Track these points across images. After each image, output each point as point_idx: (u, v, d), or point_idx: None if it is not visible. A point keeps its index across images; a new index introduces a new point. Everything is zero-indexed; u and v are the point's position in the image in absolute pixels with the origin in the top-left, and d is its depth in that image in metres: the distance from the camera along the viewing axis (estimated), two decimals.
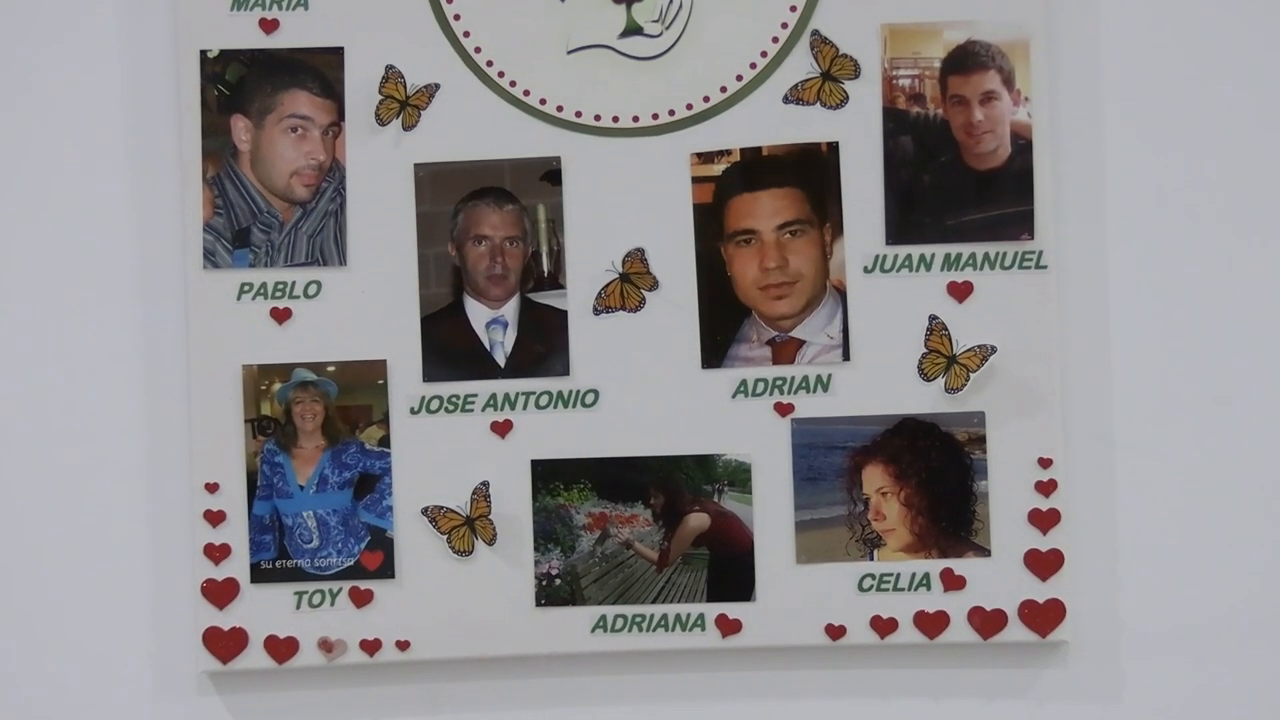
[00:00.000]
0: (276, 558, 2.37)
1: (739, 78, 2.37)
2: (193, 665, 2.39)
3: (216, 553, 2.37)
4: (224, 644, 2.37)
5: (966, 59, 2.35)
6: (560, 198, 2.37)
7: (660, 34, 2.37)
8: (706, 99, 2.37)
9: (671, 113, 2.37)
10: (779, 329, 2.37)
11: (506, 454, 2.37)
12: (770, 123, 2.36)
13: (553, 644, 2.36)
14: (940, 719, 2.38)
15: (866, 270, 2.36)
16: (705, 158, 2.37)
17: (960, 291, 2.35)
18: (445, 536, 2.36)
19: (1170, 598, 2.38)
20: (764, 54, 2.37)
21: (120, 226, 2.41)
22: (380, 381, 2.37)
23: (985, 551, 2.35)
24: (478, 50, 2.38)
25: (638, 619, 2.36)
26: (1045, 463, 2.34)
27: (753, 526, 2.36)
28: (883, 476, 2.35)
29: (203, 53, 2.38)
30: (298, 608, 2.37)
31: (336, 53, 2.38)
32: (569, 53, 2.38)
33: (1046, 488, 2.34)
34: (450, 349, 2.38)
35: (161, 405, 2.40)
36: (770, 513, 2.36)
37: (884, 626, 2.35)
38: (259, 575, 2.37)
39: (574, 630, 2.36)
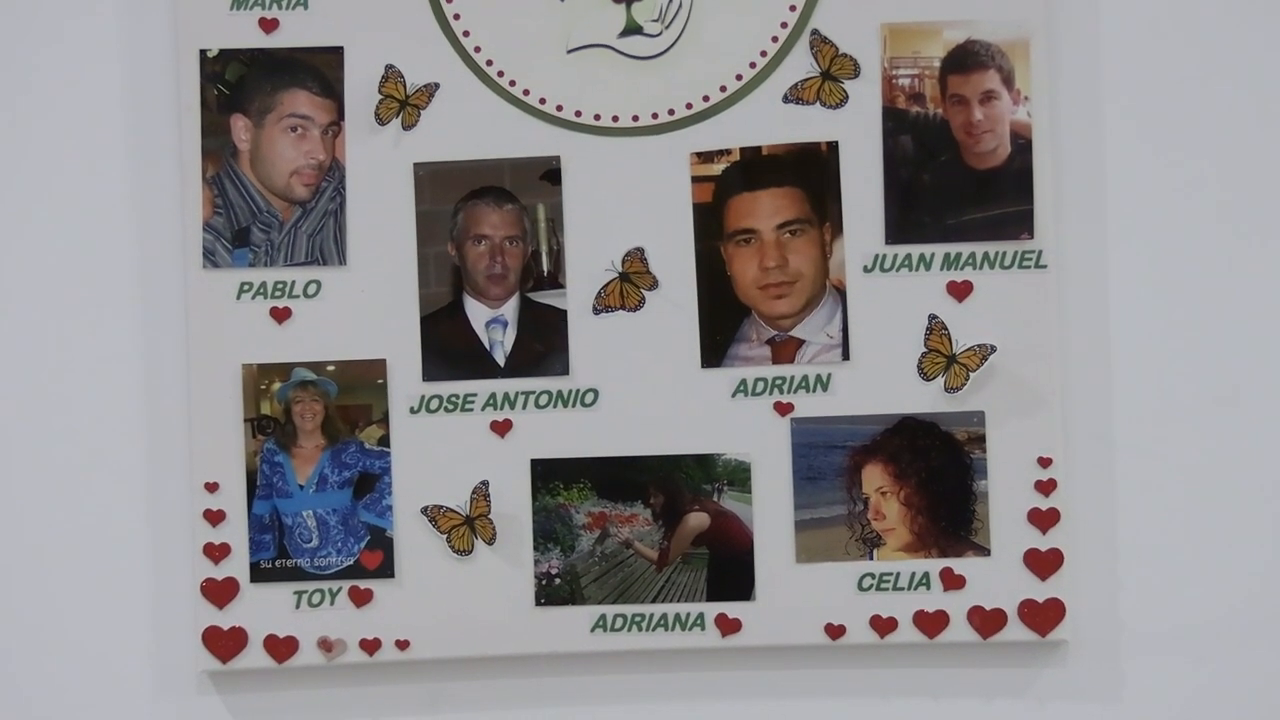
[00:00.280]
0: (276, 557, 2.37)
1: (739, 77, 2.37)
2: (192, 665, 2.39)
3: (216, 552, 2.37)
4: (224, 643, 2.37)
5: (966, 58, 2.35)
6: (560, 197, 2.37)
7: (660, 33, 2.37)
8: (706, 98, 2.37)
9: (671, 112, 2.37)
10: (779, 328, 2.37)
11: (506, 453, 2.37)
12: (770, 122, 2.36)
13: (552, 643, 2.36)
14: (940, 718, 2.38)
15: (866, 270, 2.36)
16: (705, 157, 2.37)
17: (960, 291, 2.35)
18: (445, 536, 2.36)
19: (1170, 597, 2.37)
20: (764, 53, 2.37)
21: (120, 226, 2.41)
22: (380, 381, 2.37)
23: (985, 551, 2.35)
24: (477, 50, 2.38)
25: (637, 618, 2.36)
26: (1045, 462, 2.34)
27: (752, 526, 2.36)
28: (882, 476, 2.35)
29: (202, 52, 2.38)
30: (297, 607, 2.37)
31: (336, 52, 2.38)
32: (569, 52, 2.38)
33: (1046, 487, 2.34)
34: (450, 348, 2.38)
35: (161, 405, 2.40)
36: (770, 512, 2.36)
37: (884, 626, 2.35)
38: (259, 575, 2.37)
39: (574, 630, 2.36)
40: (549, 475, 2.36)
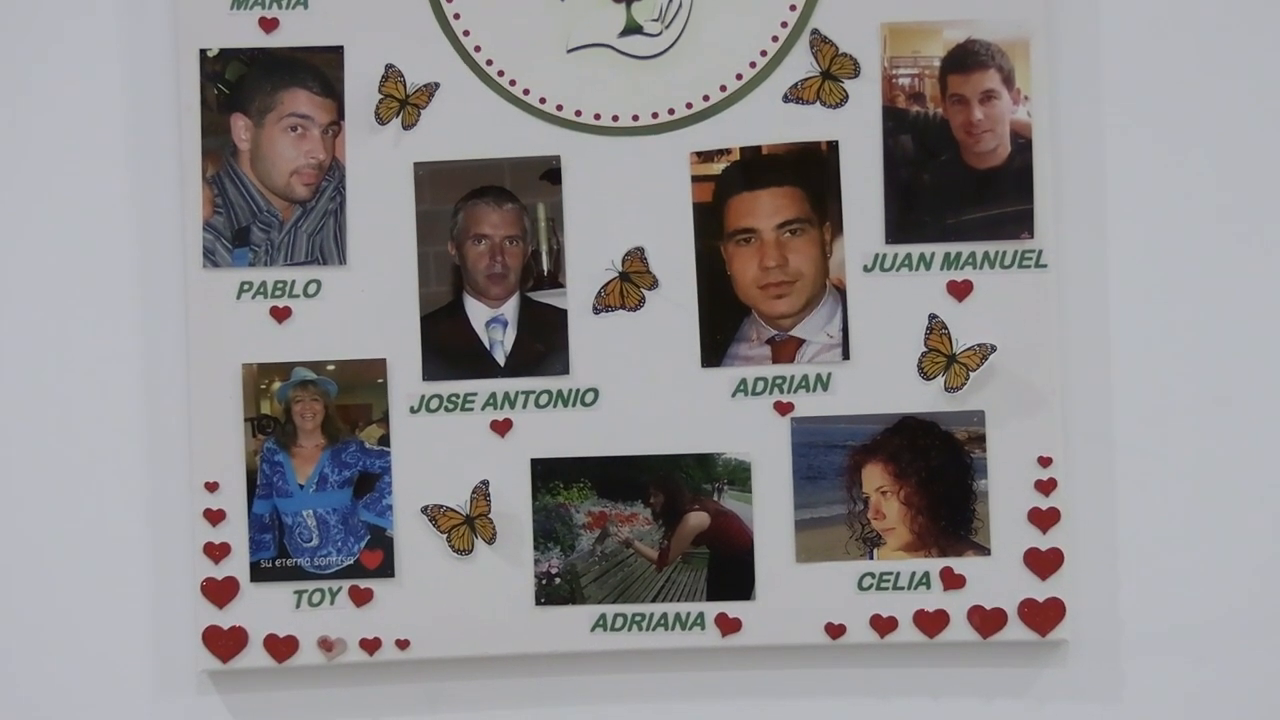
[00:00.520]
0: (276, 556, 2.37)
1: (739, 77, 2.37)
2: (193, 664, 2.39)
3: (216, 551, 2.37)
4: (224, 643, 2.37)
5: (966, 58, 2.35)
6: (560, 196, 2.37)
7: (660, 33, 2.38)
8: (706, 98, 2.37)
9: (671, 112, 2.37)
10: (779, 328, 2.37)
11: (506, 453, 2.37)
12: (770, 122, 2.36)
13: (552, 643, 2.36)
14: (940, 718, 2.38)
15: (866, 269, 2.36)
16: (705, 157, 2.37)
17: (960, 290, 2.35)
18: (445, 535, 2.36)
19: (1170, 597, 2.37)
20: (764, 53, 2.37)
21: (120, 225, 2.42)
22: (380, 380, 2.37)
23: (985, 550, 2.35)
24: (477, 49, 2.38)
25: (637, 618, 2.36)
26: (1045, 462, 2.34)
27: (752, 525, 2.36)
28: (882, 475, 2.35)
29: (202, 52, 2.38)
30: (297, 607, 2.37)
31: (336, 52, 2.38)
32: (569, 52, 2.38)
33: (1046, 487, 2.34)
34: (450, 348, 2.38)
35: (161, 404, 2.40)
36: (770, 511, 2.35)
37: (884, 625, 2.35)
38: (259, 574, 2.37)
39: (574, 629, 2.36)
40: (549, 475, 2.36)
